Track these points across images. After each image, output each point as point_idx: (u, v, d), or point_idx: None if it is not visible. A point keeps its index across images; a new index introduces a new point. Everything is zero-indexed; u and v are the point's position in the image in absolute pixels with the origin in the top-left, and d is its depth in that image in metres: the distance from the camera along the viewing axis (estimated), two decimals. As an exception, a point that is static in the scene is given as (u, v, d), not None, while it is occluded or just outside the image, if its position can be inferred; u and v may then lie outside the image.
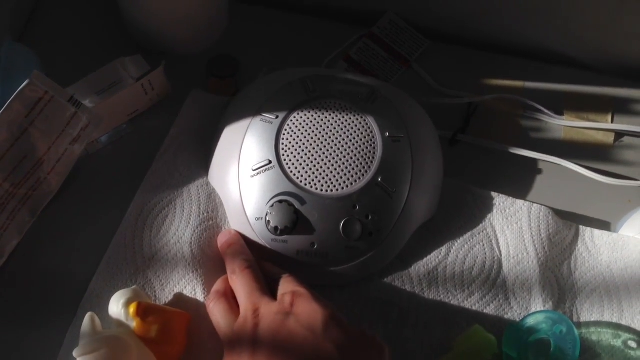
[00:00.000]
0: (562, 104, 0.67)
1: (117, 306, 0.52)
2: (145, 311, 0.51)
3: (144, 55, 0.63)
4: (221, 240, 0.57)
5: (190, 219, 0.58)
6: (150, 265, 0.57)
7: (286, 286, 0.51)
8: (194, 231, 0.57)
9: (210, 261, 0.56)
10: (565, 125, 0.65)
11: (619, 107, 0.67)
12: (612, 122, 0.66)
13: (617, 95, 0.68)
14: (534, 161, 0.64)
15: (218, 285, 0.54)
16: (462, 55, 0.69)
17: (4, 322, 0.56)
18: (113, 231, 0.58)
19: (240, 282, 0.52)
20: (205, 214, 0.58)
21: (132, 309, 0.51)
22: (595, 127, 0.65)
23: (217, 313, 0.51)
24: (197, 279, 0.55)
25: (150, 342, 0.51)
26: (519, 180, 0.63)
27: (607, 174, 0.62)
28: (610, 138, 0.65)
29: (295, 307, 0.48)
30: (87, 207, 0.60)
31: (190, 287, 0.55)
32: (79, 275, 0.57)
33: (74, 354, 0.49)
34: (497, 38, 0.70)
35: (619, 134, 0.65)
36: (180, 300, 0.55)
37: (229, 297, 0.52)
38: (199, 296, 0.55)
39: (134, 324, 0.51)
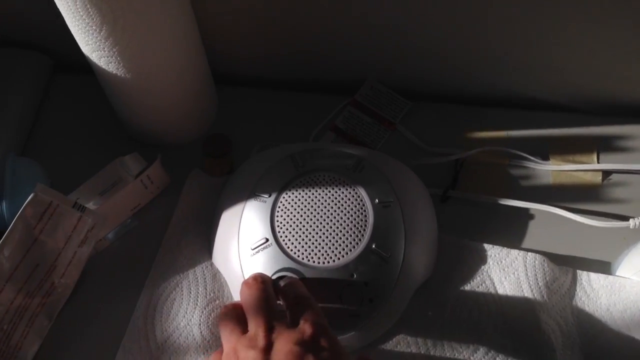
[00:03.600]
0: (547, 149, 0.68)
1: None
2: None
3: (141, 149, 0.66)
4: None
5: (197, 300, 0.60)
6: (163, 350, 0.59)
7: (307, 314, 0.48)
8: (202, 312, 0.59)
9: (218, 341, 0.58)
10: (552, 169, 0.67)
11: (603, 145, 0.68)
12: (598, 161, 0.67)
13: (600, 133, 0.69)
14: (526, 210, 0.65)
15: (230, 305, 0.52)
16: (444, 112, 0.71)
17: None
18: (127, 322, 0.60)
19: (251, 293, 0.50)
20: (212, 294, 0.60)
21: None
22: (582, 169, 0.66)
23: (226, 324, 0.49)
24: (209, 360, 0.57)
25: None
26: (512, 230, 0.64)
27: (599, 214, 0.63)
28: (598, 177, 0.66)
29: (317, 342, 0.46)
30: (100, 303, 0.62)
31: (203, 369, 0.57)
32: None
33: None
34: (477, 92, 0.72)
35: (607, 173, 0.66)
36: (193, 384, 0.57)
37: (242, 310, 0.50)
38: (212, 378, 0.56)
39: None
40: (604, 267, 0.62)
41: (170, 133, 0.69)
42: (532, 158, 0.67)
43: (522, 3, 0.60)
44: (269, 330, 0.47)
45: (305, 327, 0.47)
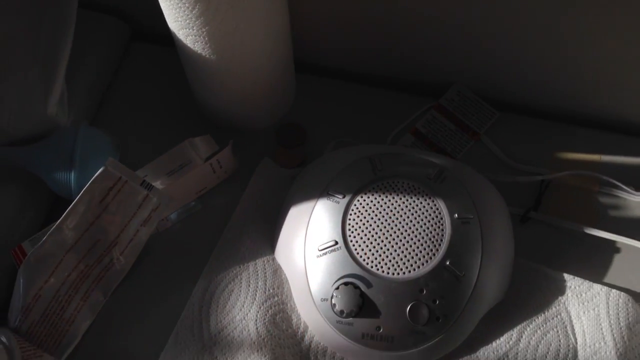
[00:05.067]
0: (642, 179, 0.64)
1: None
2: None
3: (213, 131, 0.64)
4: None
5: (255, 294, 0.58)
6: (216, 342, 0.57)
7: None
8: (260, 308, 0.57)
9: (274, 339, 0.56)
10: (646, 202, 0.63)
11: (703, 181, 0.64)
12: (696, 198, 0.63)
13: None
14: (612, 242, 0.61)
15: None
16: (533, 127, 0.68)
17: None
18: (182, 308, 0.59)
19: None
20: (271, 290, 0.59)
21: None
22: (678, 204, 0.62)
23: None
24: (262, 358, 0.55)
25: None
26: (595, 263, 0.61)
27: (692, 256, 0.59)
28: (694, 216, 0.62)
29: None
30: (157, 285, 0.62)
31: (255, 367, 0.55)
32: (148, 354, 0.58)
33: None
34: (571, 108, 0.68)
35: None
36: (245, 380, 0.55)
37: None
38: (264, 377, 0.55)
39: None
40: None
41: (244, 117, 0.67)
42: (625, 187, 0.63)
43: (621, 23, 0.56)
44: None
45: None
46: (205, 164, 0.62)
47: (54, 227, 0.57)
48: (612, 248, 0.61)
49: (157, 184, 0.61)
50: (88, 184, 0.57)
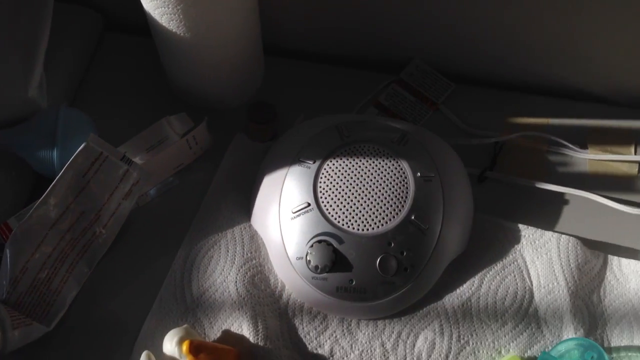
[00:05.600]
0: (586, 138, 0.69)
1: (170, 344, 0.55)
2: (197, 348, 0.54)
3: (187, 111, 0.67)
4: None
5: (234, 259, 0.62)
6: (199, 304, 0.60)
7: None
8: (239, 270, 0.61)
9: (253, 298, 0.60)
10: (589, 158, 0.68)
11: (641, 139, 0.69)
12: (635, 153, 0.68)
13: (639, 127, 0.70)
14: (561, 194, 0.66)
15: None
16: (487, 96, 0.73)
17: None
18: (164, 277, 0.62)
19: None
20: (249, 254, 0.62)
21: (185, 346, 0.54)
22: (619, 159, 0.68)
23: None
24: (243, 316, 0.59)
25: (203, 377, 0.54)
26: (547, 213, 0.65)
27: (633, 204, 0.64)
28: (634, 169, 0.67)
29: None
30: (138, 256, 0.64)
31: (237, 324, 0.59)
32: (134, 319, 0.61)
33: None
34: (521, 78, 0.73)
35: (643, 165, 0.68)
36: (227, 336, 0.59)
37: None
38: (245, 332, 0.58)
39: (187, 360, 0.55)
40: (635, 255, 0.63)
41: (217, 96, 0.71)
42: (570, 146, 0.68)
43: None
44: None
45: None
46: (181, 140, 0.65)
47: (39, 202, 0.59)
48: (560, 199, 0.66)
49: (137, 160, 0.64)
50: (70, 159, 0.59)
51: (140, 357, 0.55)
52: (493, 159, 0.68)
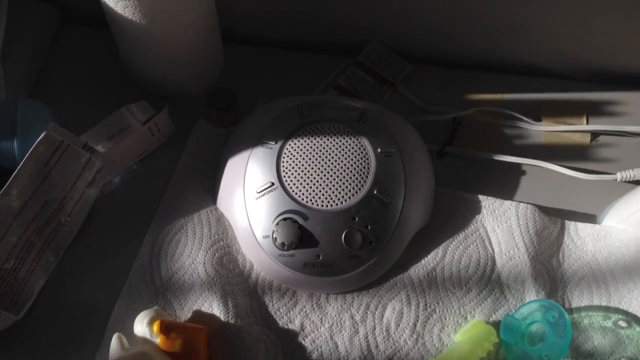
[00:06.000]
0: (540, 112, 0.71)
1: (141, 325, 0.55)
2: (167, 328, 0.55)
3: (148, 100, 0.68)
4: None
5: (202, 241, 0.62)
6: (168, 287, 0.61)
7: None
8: (207, 252, 0.61)
9: (222, 278, 0.60)
10: (544, 130, 0.70)
11: (592, 109, 0.72)
12: (587, 123, 0.71)
13: (590, 98, 0.73)
14: (518, 165, 0.68)
15: None
16: (443, 75, 0.74)
17: (37, 354, 0.60)
18: (132, 263, 0.62)
19: None
20: (216, 236, 0.62)
21: (156, 326, 0.54)
22: (572, 130, 0.70)
23: None
24: (212, 295, 0.59)
25: (175, 356, 0.55)
26: (505, 184, 0.67)
27: (586, 171, 0.67)
28: (587, 138, 0.70)
29: None
30: (105, 243, 0.64)
31: (207, 304, 0.59)
32: (103, 305, 0.61)
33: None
34: (475, 57, 0.75)
35: (595, 134, 0.70)
36: (198, 316, 0.59)
37: None
38: (216, 311, 0.58)
39: (158, 340, 0.55)
40: (591, 220, 0.65)
41: (177, 83, 0.71)
42: (525, 119, 0.70)
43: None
44: None
45: None
46: (143, 127, 0.65)
47: (1, 193, 0.58)
48: (518, 170, 0.68)
49: (99, 148, 0.64)
50: (31, 148, 0.59)
51: (111, 340, 0.55)
52: (451, 134, 0.70)
